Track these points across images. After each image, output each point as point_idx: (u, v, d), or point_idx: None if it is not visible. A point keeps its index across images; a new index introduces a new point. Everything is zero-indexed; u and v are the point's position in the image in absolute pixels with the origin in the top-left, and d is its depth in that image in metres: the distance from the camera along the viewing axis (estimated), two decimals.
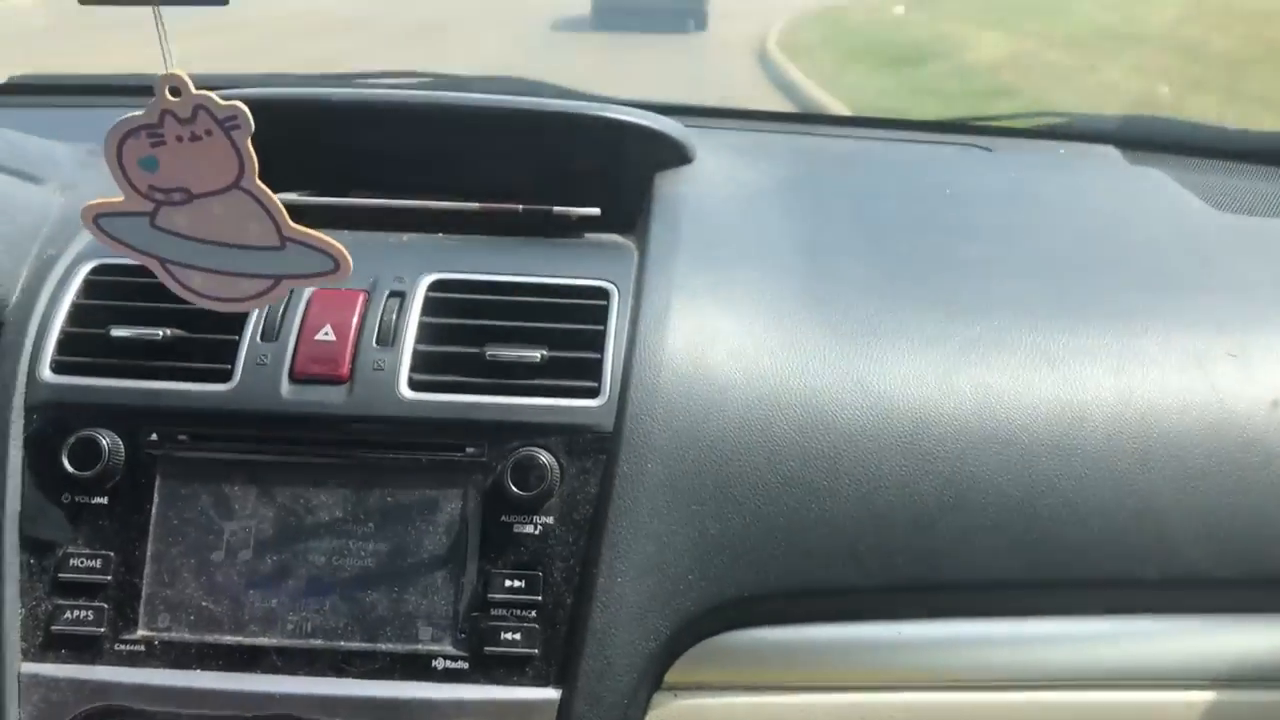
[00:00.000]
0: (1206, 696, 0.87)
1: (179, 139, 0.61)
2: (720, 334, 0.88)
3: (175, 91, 0.59)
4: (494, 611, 0.81)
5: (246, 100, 0.61)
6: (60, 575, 0.81)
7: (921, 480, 0.84)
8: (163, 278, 0.64)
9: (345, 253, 0.64)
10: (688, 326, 0.88)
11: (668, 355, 0.86)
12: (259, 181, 0.62)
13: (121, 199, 0.62)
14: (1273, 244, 1.08)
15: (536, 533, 0.82)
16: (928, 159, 1.29)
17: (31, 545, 0.81)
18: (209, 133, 0.61)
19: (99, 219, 0.63)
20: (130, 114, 0.60)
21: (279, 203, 0.63)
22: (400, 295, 0.88)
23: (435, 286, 0.90)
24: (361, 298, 0.88)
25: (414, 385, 0.84)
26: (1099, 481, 0.84)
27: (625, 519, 0.81)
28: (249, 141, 0.61)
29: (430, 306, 0.88)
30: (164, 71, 0.58)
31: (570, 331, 0.88)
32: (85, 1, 0.57)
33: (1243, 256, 1.05)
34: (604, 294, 0.90)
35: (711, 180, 1.10)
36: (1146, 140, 1.36)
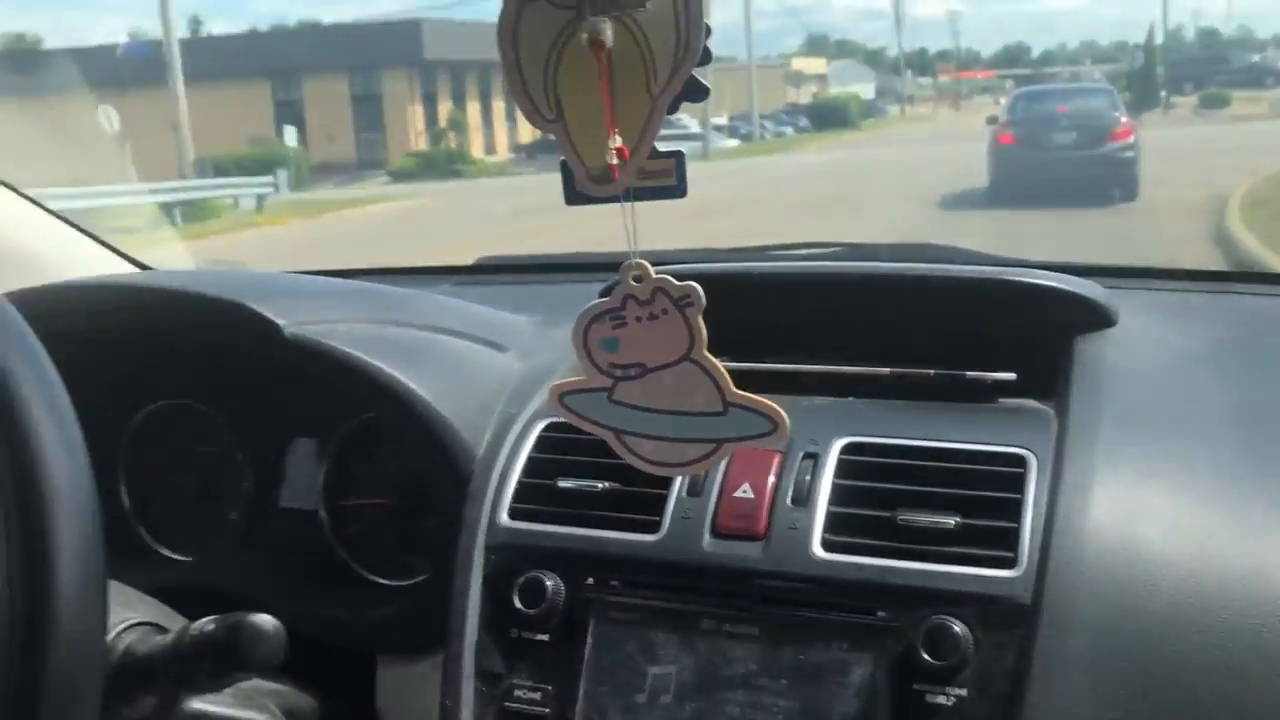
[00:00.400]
0: None
1: (638, 319, 0.68)
2: (1149, 508, 0.84)
3: (636, 277, 0.67)
4: None
5: (691, 277, 0.68)
6: (506, 704, 0.90)
7: None
8: (617, 448, 0.70)
9: (784, 415, 0.68)
10: (1112, 499, 0.84)
11: (1091, 527, 0.82)
12: (706, 353, 0.68)
13: (585, 377, 0.70)
14: None
15: (949, 704, 0.80)
16: None
17: (483, 674, 0.91)
18: (665, 311, 0.68)
19: (564, 397, 0.71)
20: (596, 301, 0.69)
21: (724, 371, 0.68)
22: (814, 457, 0.92)
23: (848, 449, 0.92)
24: (778, 458, 0.92)
25: (827, 546, 0.87)
26: None
27: (1045, 698, 0.78)
28: (700, 318, 0.67)
29: (843, 469, 0.91)
30: (629, 260, 0.66)
31: (985, 499, 0.87)
32: (571, 203, 0.66)
33: None
34: (1021, 461, 0.89)
35: (1137, 344, 1.06)
36: None
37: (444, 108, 30.12)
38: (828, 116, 31.90)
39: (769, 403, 0.69)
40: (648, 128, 0.61)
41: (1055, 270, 1.11)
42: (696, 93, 0.62)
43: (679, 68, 0.60)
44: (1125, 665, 0.78)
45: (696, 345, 0.68)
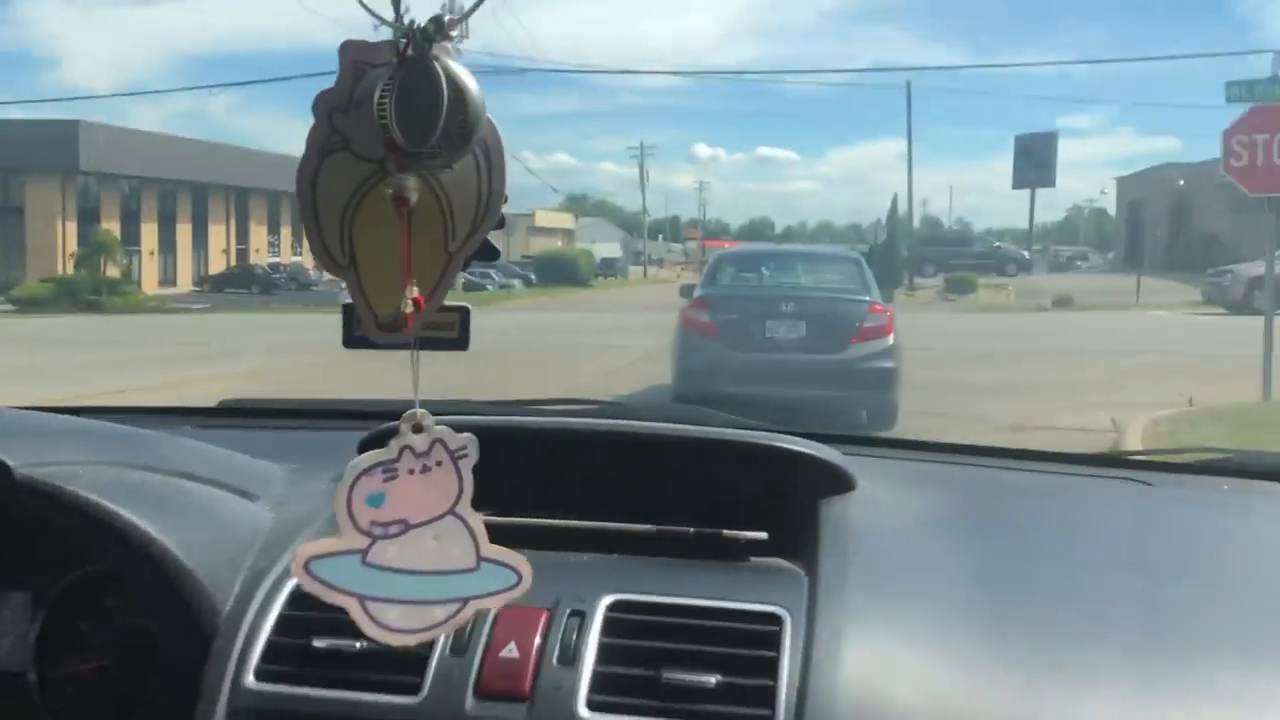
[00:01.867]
0: None
1: (410, 471, 0.67)
2: (897, 664, 0.88)
3: (416, 427, 0.67)
4: None
5: (466, 429, 0.68)
6: None
7: None
8: (359, 618, 0.67)
9: (527, 564, 0.69)
10: (863, 655, 0.88)
11: (843, 683, 0.86)
12: (470, 506, 0.67)
13: (337, 538, 0.67)
14: None
15: None
16: (1088, 493, 1.29)
17: None
18: (439, 464, 0.67)
19: (310, 564, 0.67)
20: (372, 452, 0.67)
21: (482, 524, 0.68)
22: (581, 615, 0.92)
23: (614, 607, 0.93)
24: (544, 616, 0.91)
25: (592, 706, 0.86)
26: None
27: None
28: (470, 469, 0.67)
29: (609, 627, 0.91)
30: (413, 410, 0.66)
31: (744, 658, 0.89)
32: (350, 346, 0.66)
33: None
34: (777, 620, 0.92)
35: (879, 508, 1.13)
36: None
37: (109, 226, 25.88)
38: (556, 271, 30.69)
39: (517, 555, 0.69)
40: (441, 281, 0.62)
41: (802, 436, 1.18)
42: (490, 253, 0.64)
43: (477, 228, 0.61)
44: None
45: (463, 499, 0.67)
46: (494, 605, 0.69)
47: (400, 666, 0.88)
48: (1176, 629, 0.94)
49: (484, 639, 0.90)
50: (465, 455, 0.67)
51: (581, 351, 12.03)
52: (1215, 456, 1.44)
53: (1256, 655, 0.90)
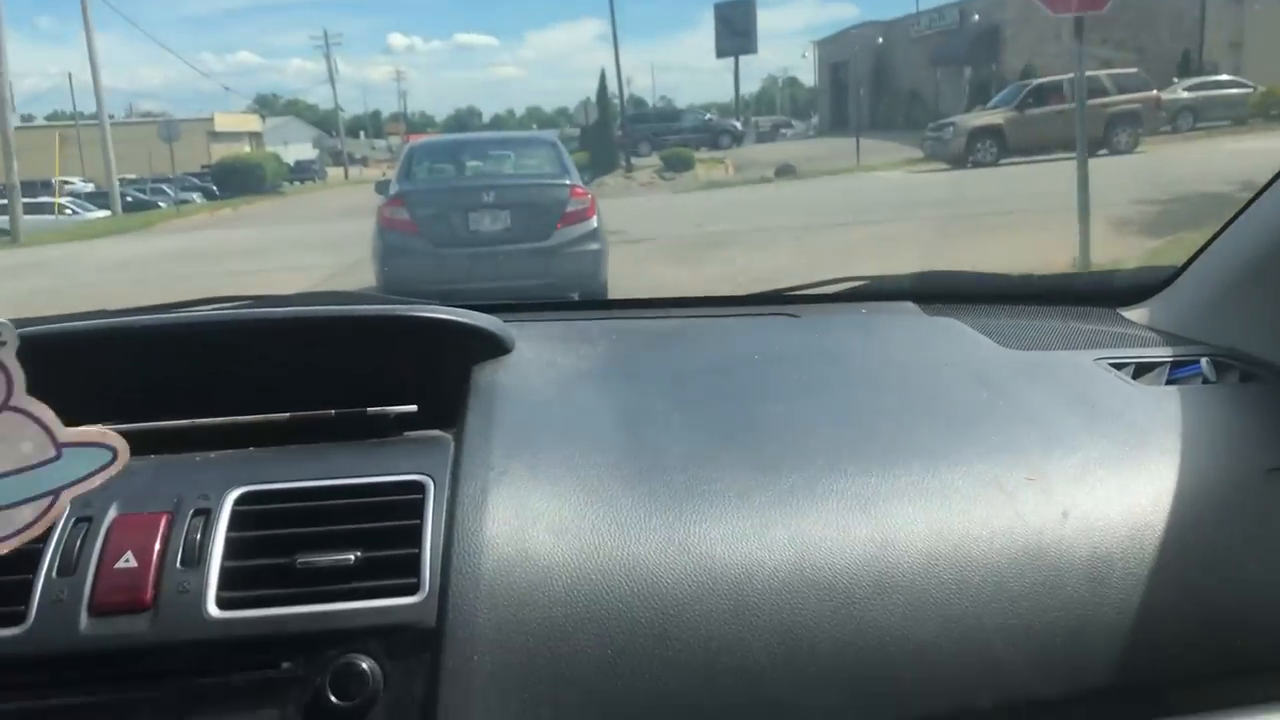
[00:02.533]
0: None
1: None
2: (541, 514, 0.88)
3: None
4: None
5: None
6: None
7: (752, 637, 0.84)
8: None
9: (119, 438, 0.63)
10: (507, 510, 0.87)
11: (488, 541, 0.85)
12: (27, 395, 0.60)
13: None
14: (1057, 373, 1.15)
15: None
16: (737, 329, 1.34)
17: None
18: None
19: None
20: None
21: (50, 411, 0.61)
22: (206, 513, 0.86)
23: (242, 500, 0.88)
24: (165, 519, 0.85)
25: (222, 604, 0.81)
26: (923, 615, 0.86)
27: (454, 717, 0.78)
28: (14, 357, 0.59)
29: (237, 521, 0.86)
30: None
31: (385, 530, 0.86)
32: None
33: (1033, 387, 1.11)
34: (419, 487, 0.89)
35: (530, 367, 1.12)
36: (940, 293, 1.45)
37: None
38: (240, 179, 26.05)
39: (104, 429, 0.63)
40: None
41: (456, 306, 1.15)
42: None
43: None
44: (527, 671, 0.81)
45: (16, 390, 0.60)
46: (90, 487, 0.62)
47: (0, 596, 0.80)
48: (809, 445, 0.99)
49: (96, 553, 0.83)
50: (3, 343, 0.60)
51: (262, 280, 9.50)
52: (856, 285, 1.52)
53: (879, 459, 0.96)
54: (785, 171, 18.78)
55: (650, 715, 0.81)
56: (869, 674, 0.84)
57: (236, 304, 1.43)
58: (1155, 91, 16.11)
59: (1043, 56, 19.36)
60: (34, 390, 1.07)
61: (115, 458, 0.63)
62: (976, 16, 25.04)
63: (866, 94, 28.98)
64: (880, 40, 29.40)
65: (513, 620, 0.82)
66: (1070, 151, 7.00)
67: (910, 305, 1.43)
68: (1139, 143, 15.39)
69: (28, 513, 0.62)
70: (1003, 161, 15.50)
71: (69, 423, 1.01)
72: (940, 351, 1.23)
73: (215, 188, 26.25)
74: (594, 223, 6.82)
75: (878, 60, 29.49)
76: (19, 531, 0.62)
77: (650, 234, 10.01)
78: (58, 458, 0.62)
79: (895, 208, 11.08)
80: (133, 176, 24.90)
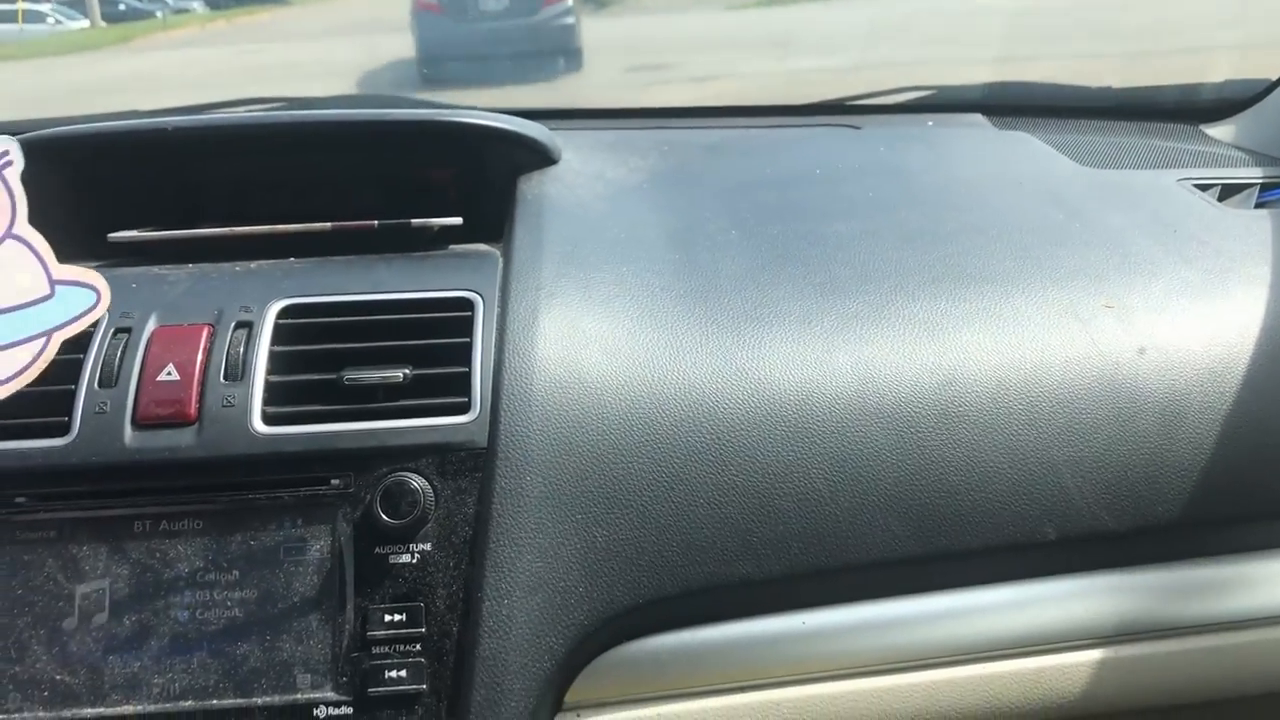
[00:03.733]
0: (1115, 652, 0.86)
1: None
2: (593, 335, 0.85)
3: None
4: (375, 650, 0.76)
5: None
6: None
7: (810, 463, 0.81)
8: None
9: (102, 279, 0.59)
10: (558, 330, 0.84)
11: (539, 361, 0.82)
12: (28, 225, 0.56)
13: None
14: (1137, 194, 1.08)
15: (414, 562, 0.77)
16: (795, 141, 1.27)
17: None
18: None
19: None
20: None
21: (45, 243, 0.57)
22: (248, 326, 0.83)
23: (286, 313, 0.85)
24: (206, 332, 0.82)
25: (268, 419, 0.79)
26: (989, 446, 0.83)
27: (506, 537, 0.77)
28: (19, 179, 0.55)
29: (281, 334, 0.83)
30: None
31: (434, 347, 0.83)
32: None
33: (1111, 208, 1.05)
34: (468, 305, 0.86)
35: (577, 179, 1.07)
36: (1012, 105, 1.37)
37: None
38: None
39: (91, 272, 0.59)
40: None
41: (501, 113, 1.08)
42: None
43: None
44: (580, 492, 0.79)
45: (18, 217, 0.56)
46: (77, 330, 0.59)
47: (40, 408, 0.78)
48: (874, 266, 0.94)
49: (137, 365, 0.80)
50: (9, 163, 0.55)
51: None
52: (922, 95, 1.43)
53: (948, 281, 0.92)
54: None
55: (705, 540, 0.79)
56: (930, 502, 0.82)
57: (271, 105, 1.37)
58: None
59: None
60: (64, 194, 1.03)
61: (98, 300, 0.59)
62: None
63: None
64: None
65: (565, 442, 0.79)
66: None
67: (979, 118, 1.35)
68: None
69: (23, 354, 0.59)
70: None
71: (103, 230, 0.98)
72: (1012, 168, 1.16)
73: None
74: (569, 3, 8.48)
75: None
76: (18, 374, 0.59)
77: None
78: (50, 296, 0.58)
79: None
80: None
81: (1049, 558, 0.85)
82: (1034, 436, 0.83)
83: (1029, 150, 1.21)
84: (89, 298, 0.59)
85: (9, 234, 0.56)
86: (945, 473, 0.82)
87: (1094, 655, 0.87)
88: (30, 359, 0.58)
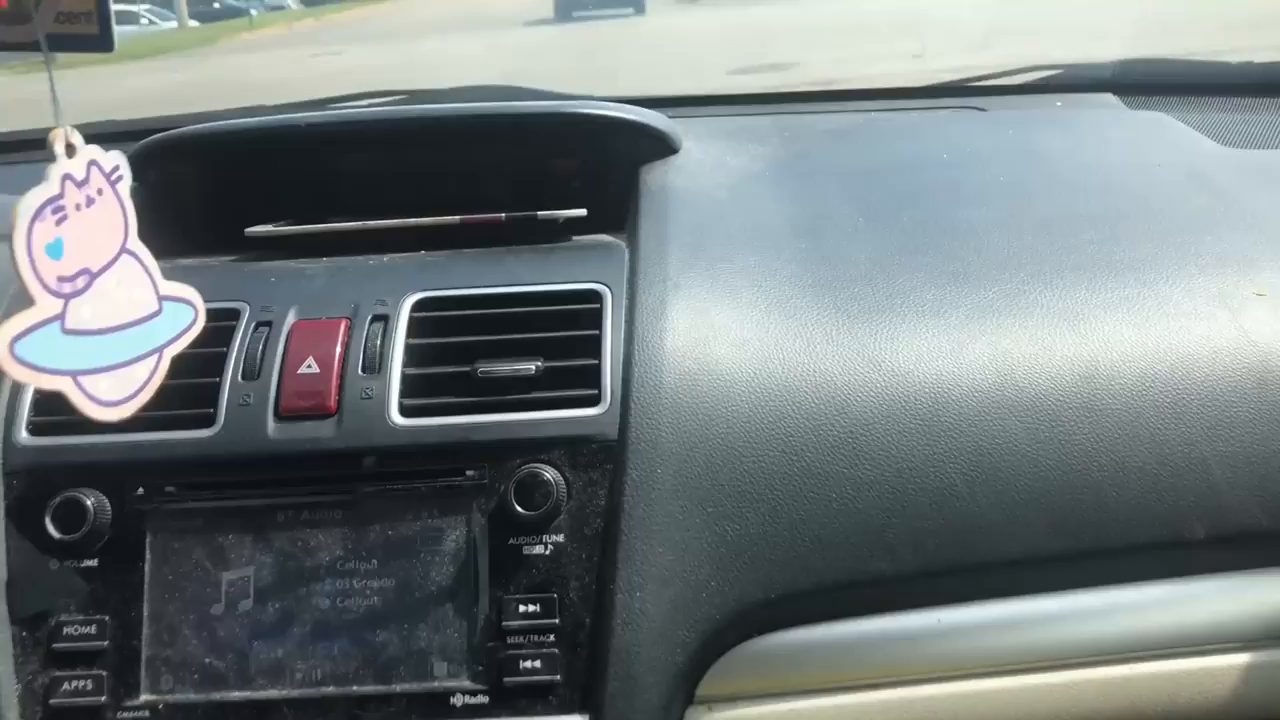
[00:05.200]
0: (1266, 656, 0.83)
1: (77, 207, 0.53)
2: (721, 326, 0.84)
3: (69, 148, 0.54)
4: (511, 640, 0.77)
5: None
6: (55, 645, 0.77)
7: (946, 458, 0.79)
8: (77, 402, 0.55)
9: (199, 296, 0.61)
10: (686, 322, 0.84)
11: (669, 353, 0.81)
12: (139, 240, 0.58)
13: (33, 310, 0.53)
14: None
15: (548, 553, 0.78)
16: (920, 125, 1.24)
17: (22, 617, 0.78)
18: (100, 192, 0.55)
19: (15, 345, 0.52)
20: (35, 190, 0.52)
21: (151, 257, 0.58)
22: (384, 319, 0.85)
23: (419, 306, 0.86)
24: (344, 325, 0.84)
25: (405, 411, 0.81)
26: (1134, 440, 0.80)
27: (639, 529, 0.77)
28: (129, 194, 0.56)
29: (416, 327, 0.85)
30: (60, 128, 0.52)
31: (565, 339, 0.84)
32: None
33: (1259, 191, 1.00)
34: (596, 297, 0.86)
35: (699, 169, 1.06)
36: (1145, 84, 1.32)
37: None
38: None
39: (186, 288, 0.61)
40: None
41: (619, 102, 1.08)
42: None
43: None
44: (711, 486, 0.78)
45: (130, 233, 0.57)
46: (182, 346, 0.60)
47: (188, 400, 0.81)
48: (1010, 253, 0.91)
49: (278, 358, 0.82)
50: (120, 178, 0.56)
51: None
52: (1048, 74, 1.39)
53: (1087, 269, 0.89)
54: None
55: (838, 536, 0.78)
56: (1073, 498, 0.79)
57: (394, 98, 1.40)
58: None
59: None
60: (207, 190, 1.06)
61: (196, 316, 0.61)
62: None
63: None
64: None
65: (696, 434, 0.79)
66: None
67: (1111, 98, 1.30)
68: None
69: (141, 371, 0.59)
70: None
71: (240, 225, 1.01)
72: (1150, 150, 1.12)
73: None
74: None
75: None
76: (137, 392, 0.59)
77: None
78: (159, 313, 0.59)
79: None
80: None
81: (1197, 556, 0.82)
82: (1181, 431, 0.80)
83: (1166, 131, 1.16)
84: (189, 314, 0.61)
85: (124, 249, 0.57)
86: (1088, 468, 0.79)
87: (1243, 659, 0.83)
88: (147, 376, 0.59)
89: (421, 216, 0.99)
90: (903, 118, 1.27)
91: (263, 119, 1.07)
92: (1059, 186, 1.03)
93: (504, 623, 0.77)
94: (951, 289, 0.87)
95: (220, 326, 0.83)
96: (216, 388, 0.81)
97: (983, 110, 1.28)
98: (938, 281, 0.88)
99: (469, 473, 0.79)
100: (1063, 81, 1.36)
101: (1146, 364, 0.82)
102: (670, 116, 1.11)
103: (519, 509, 0.78)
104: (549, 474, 0.78)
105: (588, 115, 1.06)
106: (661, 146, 1.06)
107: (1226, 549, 0.81)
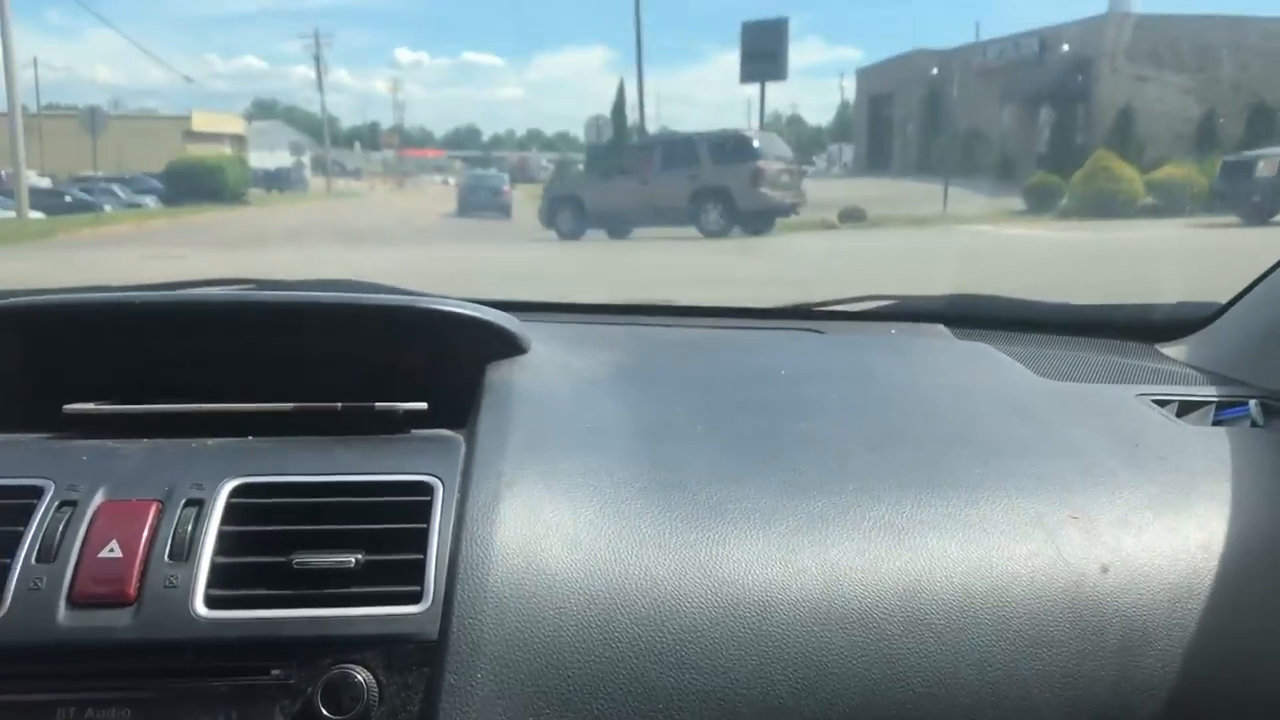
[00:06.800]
0: None
1: None
2: (554, 525, 0.83)
3: None
4: None
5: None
6: None
7: (772, 668, 0.78)
8: None
9: None
10: (518, 519, 0.82)
11: (497, 550, 0.79)
12: None
13: None
14: (1097, 407, 1.10)
15: None
16: (761, 342, 1.29)
17: None
18: None
19: None
20: None
21: None
22: (199, 503, 0.81)
23: (238, 491, 0.82)
24: (154, 509, 0.80)
25: (211, 602, 0.76)
26: (957, 655, 0.81)
27: None
28: None
29: (232, 514, 0.81)
30: None
31: (390, 532, 0.81)
32: None
33: (1072, 421, 1.06)
34: (427, 489, 0.84)
35: (545, 369, 1.07)
36: (973, 317, 1.40)
37: None
38: (193, 184, 19.33)
39: None
40: None
41: (467, 301, 1.10)
42: None
43: None
44: (533, 693, 0.75)
45: None
46: None
47: None
48: (840, 467, 0.93)
49: (79, 541, 0.77)
50: None
51: None
52: (884, 304, 1.47)
53: (914, 486, 0.91)
54: (852, 216, 13.64)
55: None
56: (897, 714, 0.79)
57: (241, 285, 1.38)
58: None
59: (1142, 99, 16.15)
60: (29, 364, 1.02)
61: None
62: (1066, 47, 19.96)
63: (915, 132, 23.52)
64: (935, 71, 22.87)
65: (520, 637, 0.76)
66: None
67: (941, 328, 1.38)
68: None
69: None
70: None
71: (58, 402, 0.96)
72: (974, 377, 1.18)
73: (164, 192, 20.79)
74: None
75: (930, 94, 23.07)
76: None
77: None
78: None
79: None
80: (98, 174, 20.27)
81: None
82: (1001, 648, 0.81)
83: (990, 360, 1.23)
84: None
85: None
86: (912, 682, 0.79)
87: None
88: None
89: (253, 402, 0.97)
90: (745, 335, 1.32)
91: (95, 295, 1.05)
92: (890, 407, 1.07)
93: None
94: (782, 498, 0.88)
95: (17, 504, 0.78)
96: (6, 569, 0.76)
97: (821, 333, 1.34)
98: (769, 490, 0.89)
99: (274, 671, 0.74)
100: (897, 311, 1.44)
101: (969, 580, 0.84)
102: (522, 319, 1.12)
103: (325, 712, 0.73)
104: (360, 675, 0.74)
105: (438, 312, 1.06)
106: (509, 346, 1.07)
107: None
